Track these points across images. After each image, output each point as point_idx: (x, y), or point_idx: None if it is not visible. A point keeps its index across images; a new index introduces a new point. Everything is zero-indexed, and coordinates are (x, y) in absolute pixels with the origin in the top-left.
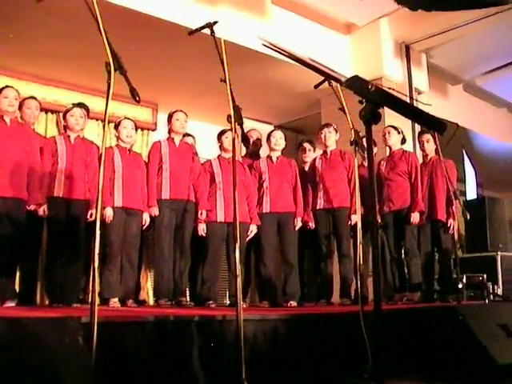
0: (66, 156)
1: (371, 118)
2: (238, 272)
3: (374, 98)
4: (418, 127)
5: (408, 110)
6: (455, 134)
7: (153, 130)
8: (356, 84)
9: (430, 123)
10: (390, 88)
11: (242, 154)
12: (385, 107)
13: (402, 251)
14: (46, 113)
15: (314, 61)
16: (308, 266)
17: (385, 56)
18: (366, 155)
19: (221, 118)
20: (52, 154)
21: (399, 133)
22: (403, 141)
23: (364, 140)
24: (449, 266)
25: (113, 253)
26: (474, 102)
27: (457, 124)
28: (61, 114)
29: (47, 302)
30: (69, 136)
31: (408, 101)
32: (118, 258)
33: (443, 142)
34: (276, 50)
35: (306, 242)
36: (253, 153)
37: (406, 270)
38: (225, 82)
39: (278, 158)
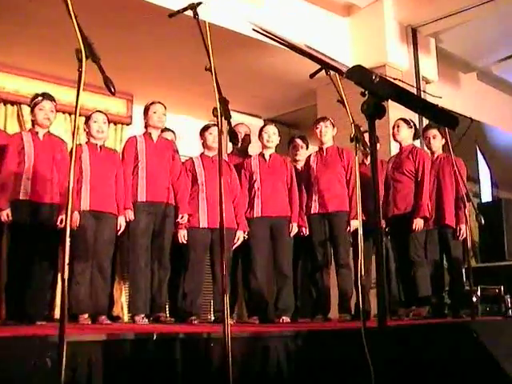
0: (34, 155)
1: (375, 112)
2: (226, 283)
3: (378, 90)
4: (425, 121)
5: (416, 103)
6: (468, 129)
7: (127, 125)
8: (358, 74)
9: (440, 118)
10: (395, 79)
11: (228, 152)
12: (390, 100)
13: (408, 260)
14: (5, 104)
15: (310, 48)
16: (302, 277)
17: (389, 41)
18: (368, 152)
19: (204, 111)
20: (18, 153)
21: (410, 127)
22: (416, 136)
23: (366, 135)
24: (460, 277)
25: (82, 263)
26: (489, 92)
27: (471, 118)
28: (24, 107)
29: (8, 319)
30: (37, 132)
31: (415, 92)
32: (87, 268)
33: (454, 138)
34: (267, 36)
35: (299, 250)
36: (241, 150)
37: (412, 282)
38: (210, 70)
39: (271, 155)
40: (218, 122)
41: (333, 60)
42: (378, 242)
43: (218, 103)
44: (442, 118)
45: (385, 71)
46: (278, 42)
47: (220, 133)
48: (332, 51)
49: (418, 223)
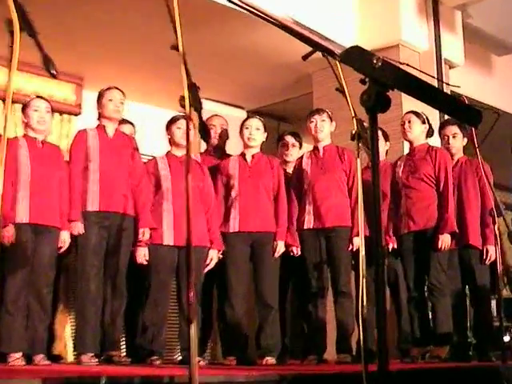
0: None
1: (376, 104)
2: (193, 313)
3: (380, 77)
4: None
5: (428, 93)
6: (495, 125)
7: (76, 115)
8: (356, 57)
9: (457, 112)
10: (402, 63)
11: (201, 151)
12: (396, 90)
13: (425, 288)
14: None
15: (297, 23)
16: (292, 307)
17: (403, 14)
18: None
19: (171, 99)
20: None
21: (424, 122)
22: (429, 133)
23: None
24: (488, 310)
25: (15, 288)
26: None
27: (497, 112)
28: None
29: None
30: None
31: (436, 78)
32: (22, 295)
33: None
34: (246, 8)
35: (288, 273)
36: (217, 149)
37: (430, 315)
38: (177, 49)
39: (254, 156)
40: (185, 113)
41: (325, 39)
42: (376, 264)
43: (186, 90)
44: (461, 113)
45: (398, 52)
46: (258, 15)
47: (188, 127)
48: (334, 27)
49: (446, 240)
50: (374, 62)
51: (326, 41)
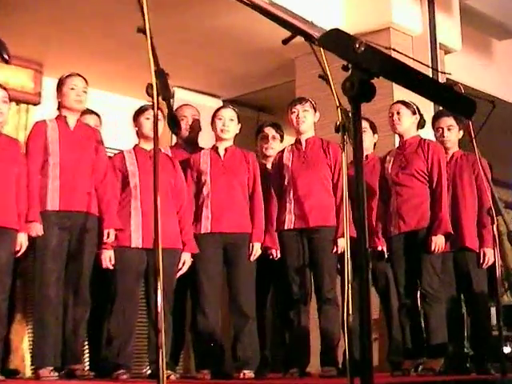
0: None
1: (360, 92)
2: (163, 324)
3: (363, 63)
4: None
5: (417, 81)
6: (493, 115)
7: (35, 104)
8: (336, 42)
9: (449, 102)
10: (388, 48)
11: (172, 144)
12: (381, 77)
13: (418, 294)
14: None
15: (274, 5)
16: (272, 316)
17: None
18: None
19: (139, 87)
20: None
21: (414, 112)
22: (421, 124)
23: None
24: (486, 319)
25: None
26: None
27: (492, 101)
28: None
29: None
30: None
31: (429, 64)
32: None
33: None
34: None
35: (268, 278)
36: (188, 142)
37: (423, 324)
38: (143, 32)
39: (227, 149)
40: (153, 102)
41: (304, 22)
42: (360, 268)
43: (153, 77)
44: (454, 103)
45: (389, 36)
46: None
47: (156, 117)
48: (319, 9)
49: (439, 242)
50: (357, 46)
51: (306, 24)
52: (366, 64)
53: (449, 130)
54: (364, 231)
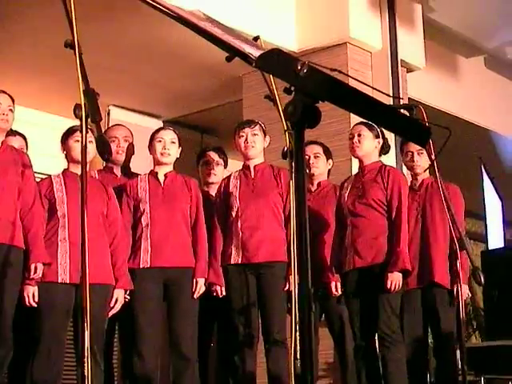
0: None
1: (303, 118)
2: (88, 368)
3: (306, 87)
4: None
5: (364, 105)
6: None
7: None
8: (276, 63)
9: (401, 129)
10: (333, 70)
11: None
12: (326, 101)
13: (376, 337)
14: None
15: (209, 20)
16: (215, 359)
17: (352, 7)
18: (312, 173)
19: (68, 105)
20: None
21: (377, 136)
22: (385, 150)
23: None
24: (452, 361)
25: None
26: (501, 86)
27: (448, 129)
28: None
29: None
30: None
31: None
32: None
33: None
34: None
35: (211, 318)
36: (119, 165)
37: (380, 369)
38: (72, 47)
39: (167, 175)
40: (81, 125)
41: (242, 39)
42: (302, 310)
43: (82, 97)
44: (407, 130)
45: (346, 52)
46: (154, 7)
47: (84, 141)
48: (269, 21)
49: (396, 279)
50: (299, 67)
51: (244, 42)
52: (309, 87)
53: (419, 154)
54: (306, 270)
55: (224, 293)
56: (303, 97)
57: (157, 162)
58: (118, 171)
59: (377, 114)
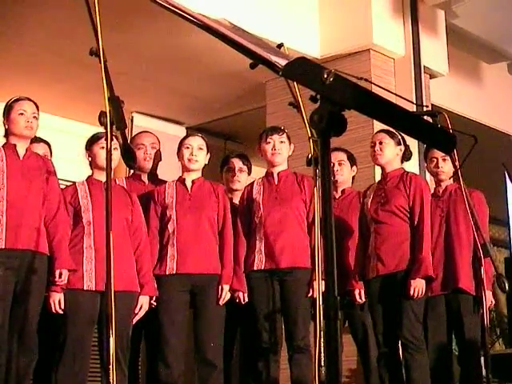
0: None
1: (329, 126)
2: (113, 376)
3: (332, 95)
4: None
5: (390, 113)
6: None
7: None
8: (302, 71)
9: (426, 136)
10: (359, 78)
11: (128, 175)
12: (352, 110)
13: (399, 343)
14: None
15: (235, 28)
16: (239, 365)
17: (375, 14)
18: (337, 180)
19: (92, 112)
20: None
21: (399, 143)
22: (406, 156)
23: (338, 154)
24: (479, 370)
25: None
26: None
27: (474, 137)
28: None
29: None
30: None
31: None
32: None
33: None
34: (168, 8)
35: (235, 325)
36: (146, 173)
37: (404, 374)
38: (97, 55)
39: (194, 181)
40: (106, 133)
41: (266, 47)
42: (329, 322)
43: (107, 105)
44: (432, 137)
45: (369, 58)
46: (180, 16)
47: (109, 149)
48: (293, 28)
49: (419, 286)
50: (325, 76)
51: (270, 51)
52: (335, 95)
53: (444, 160)
54: (333, 277)
55: (246, 299)
56: (329, 105)
57: (185, 169)
58: (145, 178)
59: (402, 121)
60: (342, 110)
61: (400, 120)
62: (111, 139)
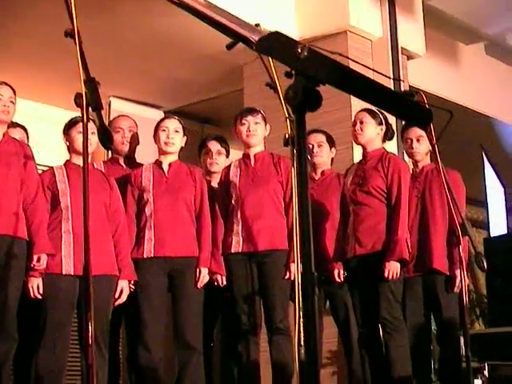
0: None
1: (304, 101)
2: (93, 359)
3: (307, 69)
4: None
5: (365, 88)
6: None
7: None
8: (277, 46)
9: (403, 111)
10: (334, 53)
11: (106, 159)
12: (327, 84)
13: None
14: None
15: (211, 6)
16: (219, 349)
17: None
18: (315, 161)
19: (69, 97)
20: None
21: (380, 123)
22: (388, 136)
23: (312, 136)
24: (457, 349)
25: None
26: (502, 73)
27: (450, 112)
28: None
29: None
30: None
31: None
32: None
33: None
34: None
35: (214, 307)
36: (124, 156)
37: (384, 355)
38: (72, 36)
39: (171, 164)
40: (82, 114)
41: (244, 24)
42: (305, 296)
43: (82, 86)
44: (407, 111)
45: (346, 40)
46: None
47: (86, 130)
48: (269, 10)
49: (393, 268)
50: (299, 51)
51: (246, 27)
52: (309, 70)
53: (418, 141)
54: (309, 256)
55: (225, 282)
56: (304, 80)
57: (161, 152)
58: (122, 162)
59: (378, 96)
60: (317, 86)
61: (376, 95)
62: (87, 120)
